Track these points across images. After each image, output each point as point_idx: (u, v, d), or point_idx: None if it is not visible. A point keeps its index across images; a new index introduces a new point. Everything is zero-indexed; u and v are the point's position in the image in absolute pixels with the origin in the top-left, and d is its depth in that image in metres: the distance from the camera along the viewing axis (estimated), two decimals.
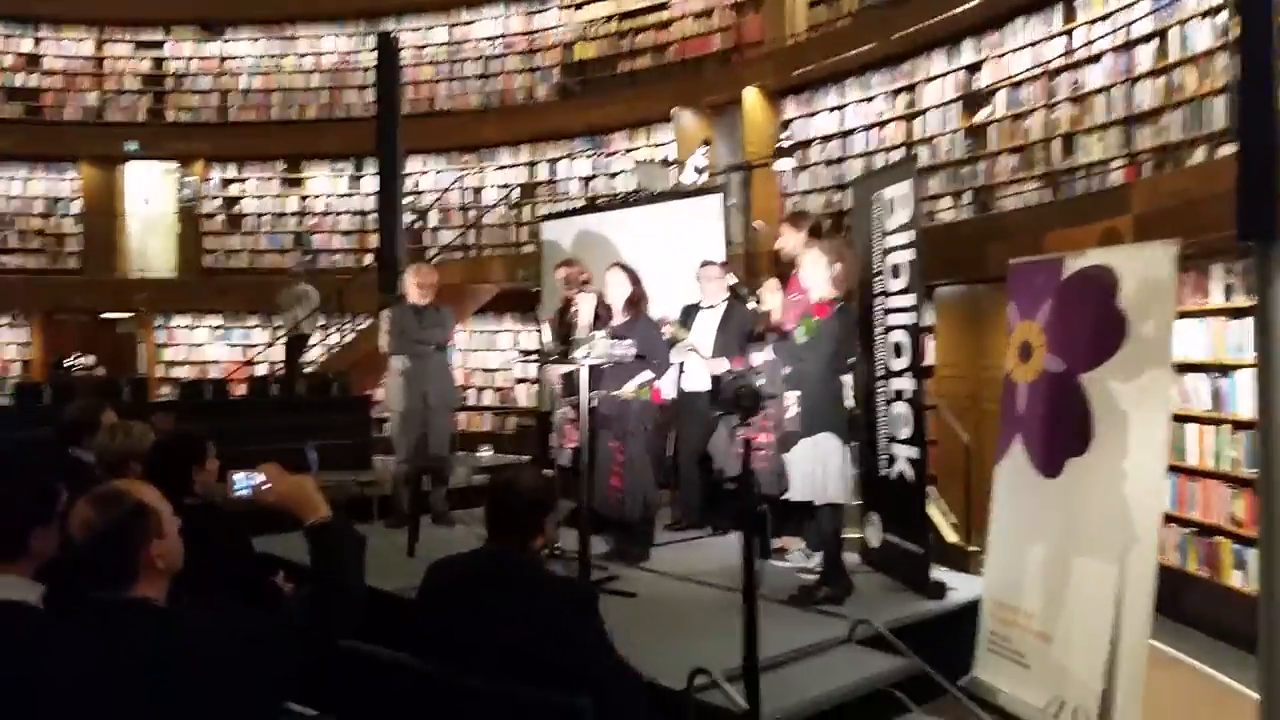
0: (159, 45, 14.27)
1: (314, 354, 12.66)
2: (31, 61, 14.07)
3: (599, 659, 2.35)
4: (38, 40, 14.11)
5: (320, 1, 13.96)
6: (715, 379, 2.85)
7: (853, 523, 4.92)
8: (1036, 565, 4.03)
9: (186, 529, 2.91)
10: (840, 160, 9.90)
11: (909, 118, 9.21)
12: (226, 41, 14.27)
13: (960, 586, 4.56)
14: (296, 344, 10.82)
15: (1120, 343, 3.75)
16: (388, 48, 6.95)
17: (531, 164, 13.02)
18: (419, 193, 13.32)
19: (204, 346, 13.84)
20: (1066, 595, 3.87)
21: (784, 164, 7.75)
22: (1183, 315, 5.05)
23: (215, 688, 1.73)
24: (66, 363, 8.71)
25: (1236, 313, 5.01)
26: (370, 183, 13.52)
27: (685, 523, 5.76)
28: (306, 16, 14.09)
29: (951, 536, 5.83)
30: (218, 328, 13.85)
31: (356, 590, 1.98)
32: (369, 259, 12.89)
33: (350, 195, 13.98)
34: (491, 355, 12.95)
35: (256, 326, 13.77)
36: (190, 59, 14.26)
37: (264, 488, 2.06)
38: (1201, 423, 5.25)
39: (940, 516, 5.94)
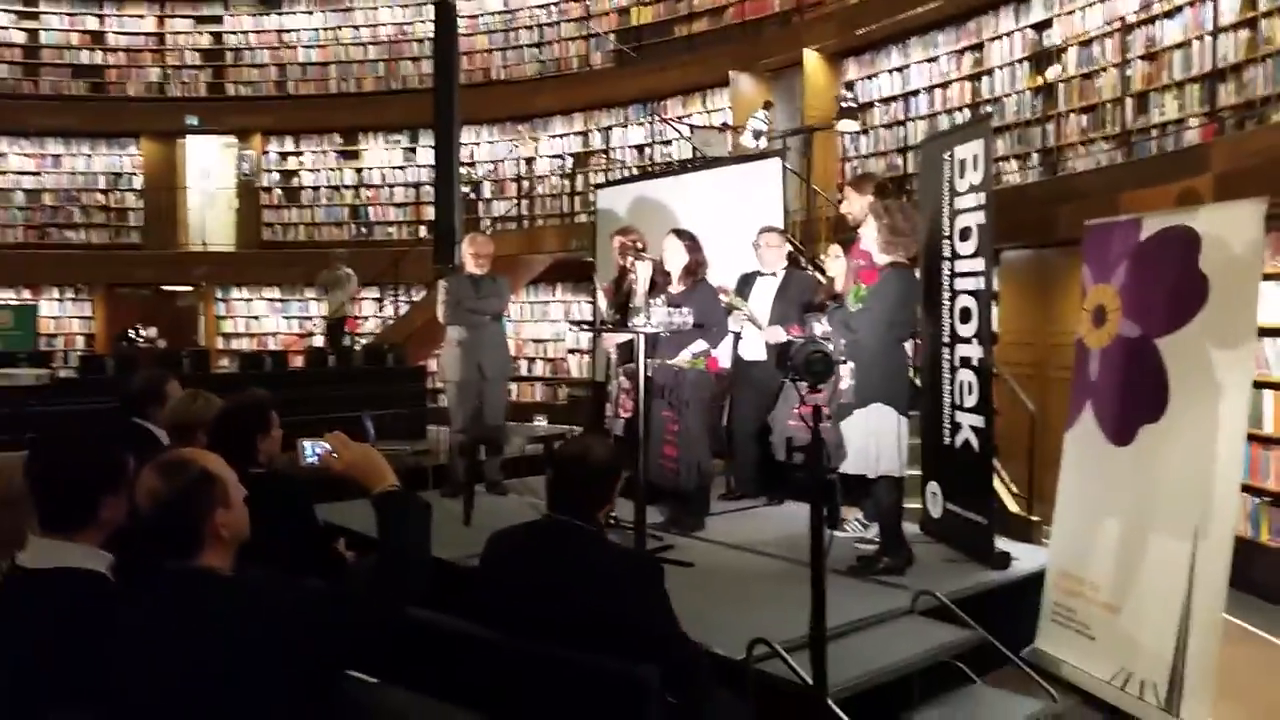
0: (218, 19, 14.43)
1: (369, 325, 12.82)
2: (96, 39, 14.33)
3: (664, 631, 2.32)
4: (101, 18, 14.35)
5: None
6: (785, 345, 2.79)
7: (912, 493, 4.82)
8: (1106, 535, 3.91)
9: (251, 497, 2.94)
10: (903, 122, 9.68)
11: (975, 78, 8.95)
12: (284, 15, 14.36)
13: (1023, 557, 4.45)
14: (337, 327, 10.90)
15: (1200, 306, 3.59)
16: (446, 17, 6.92)
17: (585, 133, 12.94)
18: (473, 163, 13.33)
19: (262, 319, 14.07)
20: (1137, 566, 3.74)
21: (847, 125, 7.54)
22: (1264, 278, 4.84)
23: (281, 657, 1.72)
24: (130, 335, 8.88)
25: None
26: (425, 154, 13.57)
27: (740, 492, 5.70)
28: None
29: (1014, 507, 5.71)
30: (276, 300, 14.06)
31: (422, 558, 1.95)
32: (424, 231, 12.97)
33: (405, 167, 14.05)
34: (544, 326, 12.98)
35: (314, 299, 13.94)
36: (248, 33, 14.40)
37: (331, 456, 2.04)
38: (1277, 388, 5.04)
39: (1003, 487, 5.81)
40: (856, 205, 4.70)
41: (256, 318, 14.09)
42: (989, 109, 8.59)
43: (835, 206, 8.69)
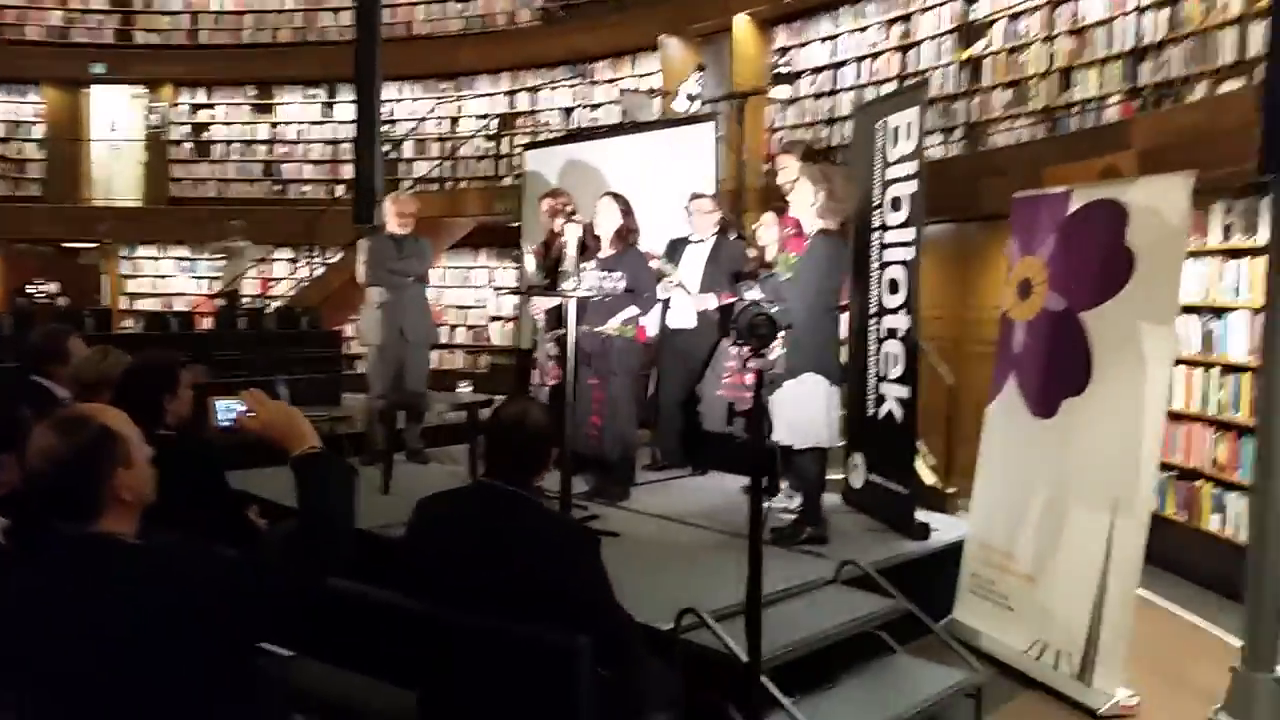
0: None
1: (282, 288, 12.44)
2: None
3: (599, 600, 2.26)
4: None
5: None
6: (726, 306, 2.73)
7: (834, 463, 4.84)
8: (1026, 507, 3.97)
9: (158, 461, 2.77)
10: (832, 93, 9.67)
11: (903, 49, 8.98)
12: None
13: (942, 528, 4.51)
14: (231, 301, 10.53)
15: (1126, 280, 3.64)
16: None
17: (511, 93, 12.67)
18: (394, 121, 12.94)
19: (169, 278, 13.52)
20: (1056, 538, 3.81)
21: (782, 91, 7.48)
22: None
23: (190, 628, 1.60)
24: (28, 290, 8.43)
25: (1234, 253, 4.92)
26: (344, 110, 13.15)
27: (665, 463, 5.66)
28: None
29: (930, 479, 5.78)
30: (184, 259, 13.51)
31: (345, 524, 1.85)
32: (341, 190, 12.59)
33: (323, 123, 13.58)
34: (466, 292, 12.74)
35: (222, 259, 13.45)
36: None
37: (247, 415, 1.91)
38: (1190, 365, 5.18)
39: (920, 459, 5.88)
40: (792, 171, 4.65)
41: (164, 277, 13.51)
42: (913, 82, 8.63)
43: (765, 176, 8.71)
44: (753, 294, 4.19)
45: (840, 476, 5.06)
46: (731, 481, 5.31)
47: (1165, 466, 5.34)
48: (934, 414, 6.09)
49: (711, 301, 5.24)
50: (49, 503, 1.69)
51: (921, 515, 4.53)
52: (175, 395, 3.07)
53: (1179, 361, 5.24)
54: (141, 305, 13.06)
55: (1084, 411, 3.77)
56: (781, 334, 4.12)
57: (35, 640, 1.62)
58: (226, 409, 1.96)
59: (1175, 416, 5.10)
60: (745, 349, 2.56)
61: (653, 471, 5.57)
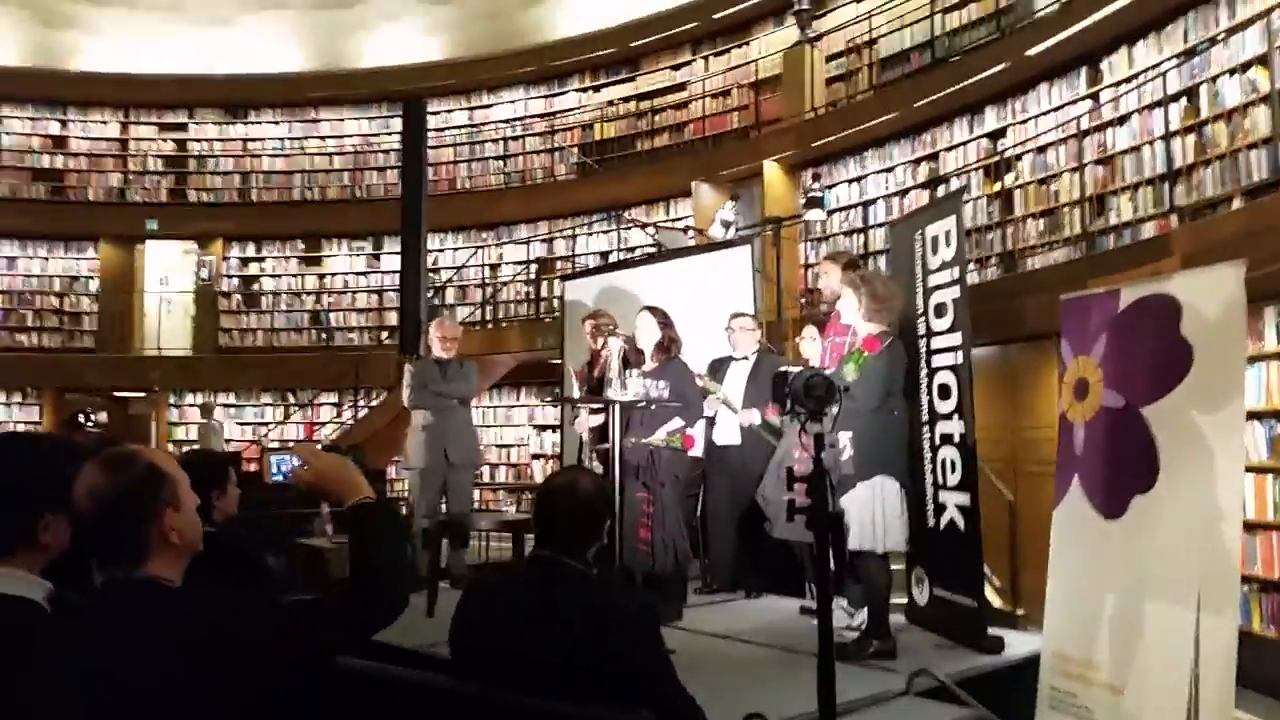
0: (183, 127, 14.52)
1: (326, 430, 12.56)
2: (58, 143, 14.32)
3: (664, 679, 2.12)
4: (64, 123, 14.38)
5: (343, 85, 14.22)
6: (781, 374, 2.67)
7: (896, 586, 4.66)
8: (1103, 612, 3.76)
9: (202, 555, 2.71)
10: (863, 230, 9.86)
11: (931, 185, 9.18)
12: (250, 124, 14.50)
13: (1015, 643, 4.28)
14: None
15: (1185, 372, 3.55)
16: (416, 112, 6.99)
17: (550, 239, 13.04)
18: (437, 270, 13.32)
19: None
20: (1139, 642, 3.59)
21: (815, 214, 7.65)
22: None
23: (237, 674, 1.52)
24: (80, 419, 8.53)
25: None
26: (389, 261, 13.59)
27: (715, 585, 5.49)
28: (330, 101, 14.35)
29: (997, 602, 5.55)
30: (230, 405, 13.72)
31: (399, 573, 1.77)
32: (385, 336, 12.86)
33: (368, 274, 14.01)
34: (507, 431, 12.77)
35: (269, 405, 13.65)
36: (213, 141, 14.49)
37: (301, 469, 1.87)
38: (1258, 472, 5.01)
39: (985, 583, 5.67)
40: (835, 279, 4.68)
41: None
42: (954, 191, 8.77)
43: (800, 308, 8.78)
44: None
45: (903, 600, 4.87)
46: (786, 603, 5.12)
47: (1246, 579, 5.10)
48: (997, 537, 5.92)
49: (756, 417, 5.19)
50: (95, 544, 1.63)
51: (993, 631, 4.31)
52: (224, 493, 3.06)
53: (1252, 469, 5.08)
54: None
55: (1155, 507, 3.62)
56: (849, 435, 4.05)
57: (75, 692, 1.54)
58: (279, 464, 1.93)
59: (1250, 526, 4.89)
60: (802, 414, 2.49)
61: (704, 595, 5.39)
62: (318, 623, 1.67)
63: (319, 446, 9.58)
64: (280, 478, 1.78)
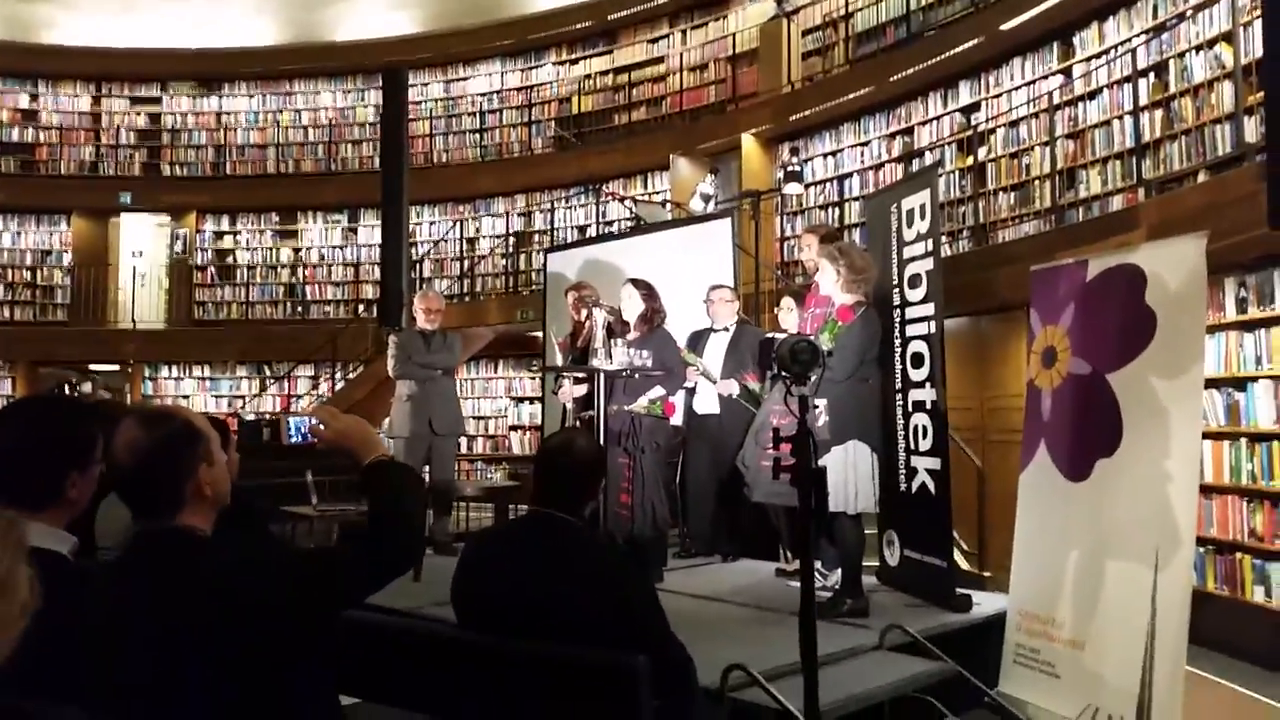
0: (156, 100, 14.37)
1: (304, 403, 12.57)
2: (28, 116, 14.14)
3: (656, 624, 2.25)
4: (34, 96, 14.20)
5: (318, 58, 14.13)
6: (768, 340, 2.78)
7: (867, 548, 4.82)
8: (1066, 571, 3.94)
9: None
10: (839, 203, 9.98)
11: (906, 159, 9.31)
12: (224, 97, 14.38)
13: (983, 602, 4.45)
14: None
15: (1149, 340, 3.71)
16: (396, 83, 7.01)
17: (527, 212, 13.07)
18: (415, 243, 13.32)
19: (192, 397, 13.66)
20: (1099, 599, 3.77)
21: (793, 188, 7.76)
22: None
23: (265, 622, 1.62)
24: (64, 390, 8.52)
25: (1250, 325, 5.00)
26: (366, 234, 13.59)
27: (693, 549, 5.64)
28: (305, 74, 14.24)
29: (965, 565, 5.74)
30: (205, 378, 13.70)
31: (416, 525, 1.88)
32: (362, 309, 12.87)
33: (344, 246, 13.98)
34: (485, 402, 12.84)
35: (245, 377, 13.64)
36: (187, 114, 14.36)
37: (319, 428, 1.96)
38: (1215, 438, 5.20)
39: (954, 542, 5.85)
40: (815, 250, 4.80)
41: (186, 396, 13.68)
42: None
43: (776, 281, 8.91)
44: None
45: (875, 563, 5.03)
46: (763, 566, 5.28)
47: (1201, 541, 5.30)
48: (965, 503, 6.07)
49: (734, 387, 5.32)
50: (132, 495, 1.72)
51: (961, 591, 4.48)
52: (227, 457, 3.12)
53: (1208, 435, 5.27)
54: None
55: (1118, 470, 3.78)
56: (824, 402, 4.19)
57: (109, 637, 1.63)
58: (297, 426, 2.02)
59: (1206, 490, 5.09)
60: (787, 378, 2.61)
61: (682, 559, 5.54)
62: (339, 570, 1.77)
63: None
64: (298, 439, 1.84)
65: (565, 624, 2.15)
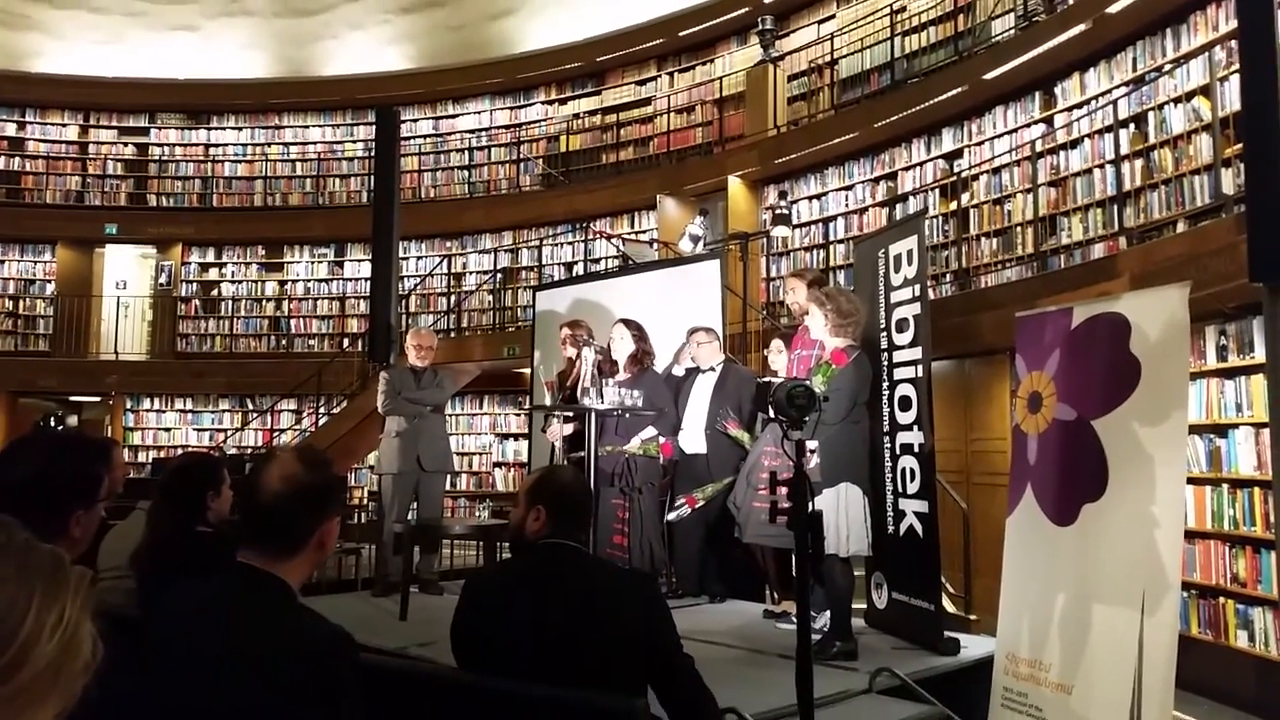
0: (144, 131, 14.40)
1: (287, 437, 12.50)
2: (14, 145, 14.14)
3: (670, 642, 2.25)
4: (21, 125, 14.20)
5: (308, 93, 14.21)
6: (764, 384, 2.82)
7: (855, 590, 4.84)
8: (1053, 615, 3.97)
9: (195, 556, 2.80)
10: (824, 245, 10.10)
11: (890, 203, 9.45)
12: (213, 129, 14.42)
13: (969, 645, 4.48)
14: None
15: (1133, 387, 3.78)
16: (388, 119, 7.08)
17: (515, 249, 13.13)
18: (402, 278, 13.33)
19: (173, 430, 13.57)
20: (1087, 643, 3.80)
21: (781, 231, 7.84)
22: None
23: (325, 693, 1.60)
24: (48, 422, 8.44)
25: (1230, 372, 5.10)
26: (351, 268, 13.61)
27: (680, 590, 5.63)
28: (294, 107, 14.32)
29: (951, 608, 5.75)
30: (187, 411, 13.60)
31: None
32: (347, 343, 12.85)
33: (330, 280, 13.98)
34: (469, 439, 12.82)
35: (228, 410, 13.56)
36: (175, 145, 14.39)
37: None
38: (1198, 484, 5.27)
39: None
40: (801, 295, 4.86)
41: (167, 429, 13.58)
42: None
43: (761, 321, 8.98)
44: None
45: (863, 606, 5.04)
46: (750, 608, 5.28)
47: (1185, 586, 5.35)
48: (951, 545, 6.11)
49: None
50: (264, 526, 1.70)
51: (949, 634, 4.50)
52: (219, 494, 3.13)
53: (1192, 480, 5.34)
54: (144, 458, 13.04)
55: (1104, 515, 3.83)
56: (815, 444, 4.23)
57: (174, 657, 1.63)
58: None
59: (1189, 535, 5.15)
60: (785, 422, 2.65)
61: (670, 599, 5.52)
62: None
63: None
64: None
65: (582, 647, 2.15)
